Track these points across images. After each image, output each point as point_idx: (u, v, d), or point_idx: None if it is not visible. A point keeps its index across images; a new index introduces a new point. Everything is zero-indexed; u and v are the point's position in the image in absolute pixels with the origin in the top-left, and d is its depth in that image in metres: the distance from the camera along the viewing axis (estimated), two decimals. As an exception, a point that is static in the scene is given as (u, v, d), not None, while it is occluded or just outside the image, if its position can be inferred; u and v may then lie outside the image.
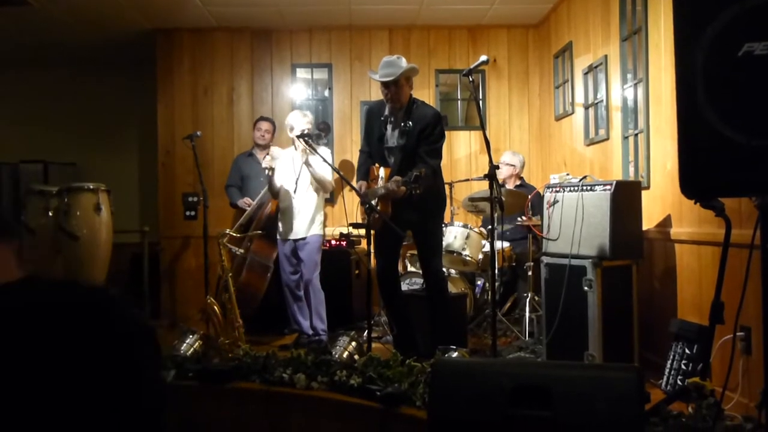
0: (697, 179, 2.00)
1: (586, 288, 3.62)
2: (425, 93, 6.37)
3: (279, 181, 4.70)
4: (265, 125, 5.66)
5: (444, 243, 4.92)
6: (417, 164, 3.82)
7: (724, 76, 1.92)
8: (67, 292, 1.16)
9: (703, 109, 1.92)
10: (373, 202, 3.82)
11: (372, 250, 3.92)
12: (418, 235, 4.13)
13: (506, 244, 5.04)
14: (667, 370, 3.35)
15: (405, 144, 3.93)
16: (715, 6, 1.90)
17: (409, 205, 3.82)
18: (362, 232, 3.96)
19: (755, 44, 1.85)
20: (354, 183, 4.18)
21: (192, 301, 6.02)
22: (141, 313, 1.29)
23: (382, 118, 4.05)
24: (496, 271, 3.93)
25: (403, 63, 3.92)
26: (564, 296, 3.75)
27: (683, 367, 3.27)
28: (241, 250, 4.88)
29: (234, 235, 4.69)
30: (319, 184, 4.62)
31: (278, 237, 4.76)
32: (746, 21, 1.87)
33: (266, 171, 4.68)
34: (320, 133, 4.92)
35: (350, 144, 6.38)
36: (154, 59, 6.40)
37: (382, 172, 4.00)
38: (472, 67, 3.60)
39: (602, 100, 4.82)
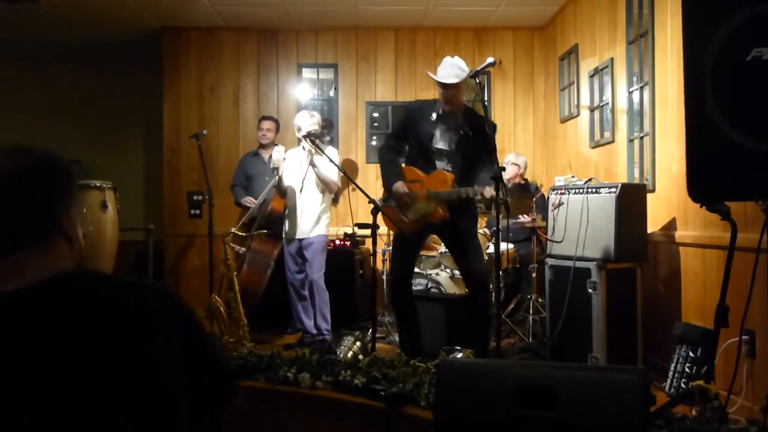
0: (705, 182, 2.01)
1: (590, 290, 3.63)
2: (430, 94, 6.37)
3: (286, 180, 4.72)
4: (266, 124, 5.67)
5: (448, 244, 4.94)
6: (477, 171, 3.80)
7: (733, 80, 1.92)
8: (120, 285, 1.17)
9: (711, 113, 1.93)
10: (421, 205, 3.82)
11: (375, 251, 3.91)
12: (465, 240, 3.97)
13: (510, 246, 5.05)
14: (670, 373, 3.36)
15: (466, 151, 3.85)
16: (725, 10, 1.91)
17: (465, 210, 3.81)
18: (367, 232, 3.93)
19: (764, 49, 1.86)
20: (359, 182, 4.18)
21: (196, 300, 6.02)
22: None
23: (433, 119, 3.92)
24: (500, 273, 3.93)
25: (464, 66, 3.85)
26: (568, 298, 3.75)
27: (687, 370, 3.27)
28: (243, 249, 4.90)
29: (238, 233, 4.71)
30: (324, 185, 4.62)
31: (284, 236, 4.77)
32: (755, 26, 1.88)
33: (274, 169, 4.68)
34: (323, 131, 4.93)
35: (355, 144, 6.40)
36: (160, 57, 6.43)
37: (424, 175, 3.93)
38: (479, 68, 3.59)
39: (608, 103, 4.82)
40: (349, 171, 5.70)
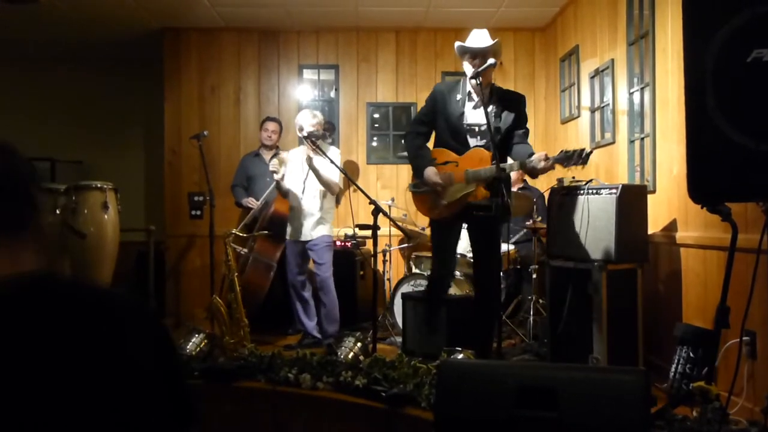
0: (705, 183, 2.01)
1: (591, 291, 3.63)
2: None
3: (288, 182, 4.71)
4: (271, 126, 5.68)
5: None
6: (511, 145, 3.68)
7: (733, 82, 1.93)
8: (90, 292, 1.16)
9: (711, 114, 1.93)
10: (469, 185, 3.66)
11: (376, 252, 3.88)
12: (491, 243, 3.69)
13: (511, 247, 5.05)
14: (671, 374, 3.36)
15: (499, 126, 3.69)
16: (725, 12, 1.91)
17: (500, 210, 3.53)
18: (367, 233, 3.91)
19: (764, 50, 1.86)
20: (359, 183, 4.17)
21: (197, 300, 6.04)
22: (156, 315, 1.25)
23: (459, 98, 3.81)
24: (501, 274, 3.92)
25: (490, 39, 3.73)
26: (569, 299, 3.75)
27: (688, 371, 3.27)
28: (245, 250, 4.90)
29: (239, 234, 4.71)
30: (324, 186, 4.61)
31: (287, 237, 4.77)
32: (756, 27, 1.88)
33: (272, 173, 4.68)
34: (325, 133, 4.92)
35: (356, 145, 6.40)
36: (161, 58, 6.43)
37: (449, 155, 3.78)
38: (479, 69, 3.60)
39: (608, 104, 4.82)
40: (349, 172, 5.70)
